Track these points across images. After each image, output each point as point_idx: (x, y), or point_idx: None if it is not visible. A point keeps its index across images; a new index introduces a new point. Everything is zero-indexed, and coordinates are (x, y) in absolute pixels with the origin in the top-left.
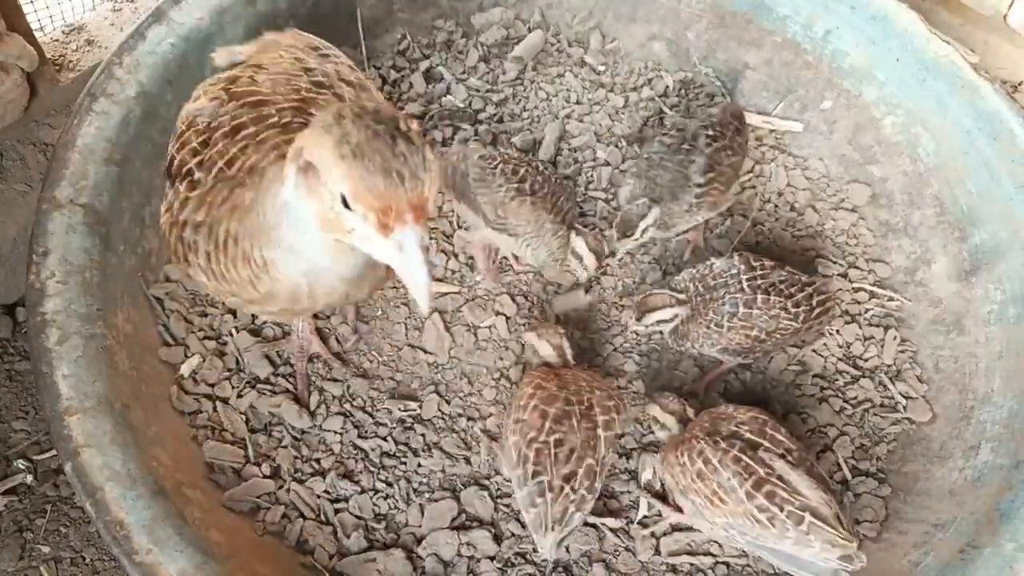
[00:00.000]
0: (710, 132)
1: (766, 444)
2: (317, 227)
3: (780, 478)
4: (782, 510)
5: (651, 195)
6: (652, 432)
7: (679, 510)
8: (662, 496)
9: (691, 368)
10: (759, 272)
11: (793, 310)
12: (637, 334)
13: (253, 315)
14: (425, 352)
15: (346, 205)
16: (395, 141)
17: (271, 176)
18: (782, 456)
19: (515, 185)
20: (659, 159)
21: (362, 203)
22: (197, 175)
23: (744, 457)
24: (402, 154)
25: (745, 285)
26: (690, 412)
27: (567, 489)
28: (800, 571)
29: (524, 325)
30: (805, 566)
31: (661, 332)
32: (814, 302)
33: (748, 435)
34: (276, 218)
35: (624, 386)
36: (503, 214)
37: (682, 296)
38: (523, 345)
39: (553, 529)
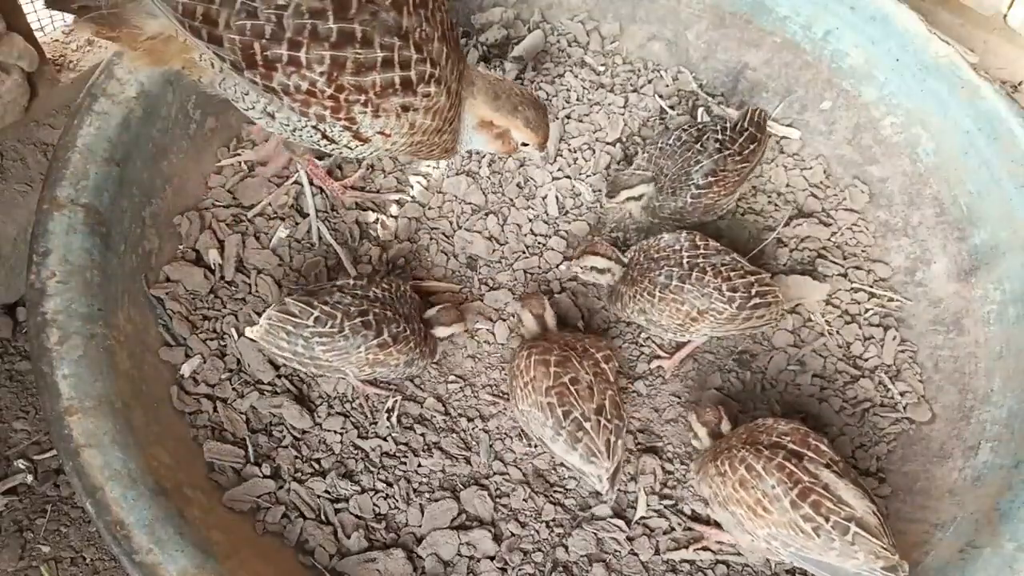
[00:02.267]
0: (719, 137)
1: (810, 454)
2: (492, 147)
3: (826, 487)
4: (828, 520)
5: (658, 178)
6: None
7: (717, 526)
8: (696, 518)
9: (734, 380)
10: (702, 251)
11: (728, 293)
12: (574, 277)
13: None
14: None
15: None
16: (541, 112)
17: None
18: (827, 466)
19: (374, 340)
20: (670, 151)
21: (534, 144)
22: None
23: (789, 465)
24: (545, 118)
25: (685, 260)
26: (725, 427)
27: (602, 420)
28: None
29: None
30: (845, 575)
31: (595, 284)
32: (753, 291)
33: (791, 445)
34: (467, 138)
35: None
36: (371, 370)
37: (624, 258)
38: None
39: (604, 457)
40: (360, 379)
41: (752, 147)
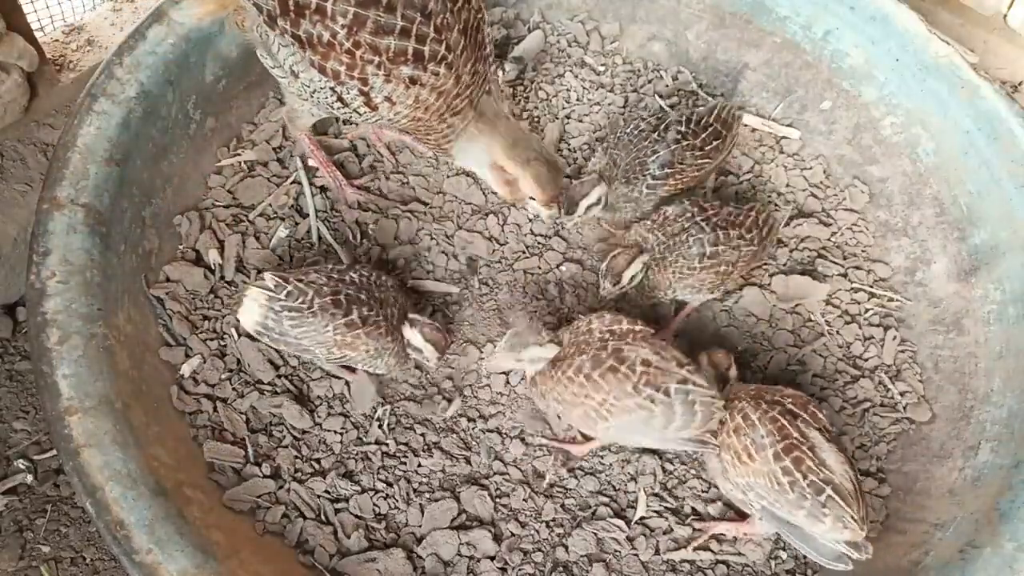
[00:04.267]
0: (681, 128)
1: (805, 416)
2: (500, 191)
3: (812, 448)
4: (805, 478)
5: (607, 173)
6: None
7: (742, 516)
8: (698, 516)
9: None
10: (711, 212)
11: (748, 236)
12: (612, 296)
13: None
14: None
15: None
16: (555, 172)
17: (475, 142)
18: (820, 431)
19: (342, 320)
20: (627, 140)
21: (540, 200)
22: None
23: (782, 420)
24: (558, 179)
25: (705, 226)
26: (732, 372)
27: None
28: (804, 548)
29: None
30: (811, 543)
31: (630, 290)
32: (760, 222)
33: (791, 406)
34: (469, 160)
35: None
36: (340, 353)
37: (644, 245)
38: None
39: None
40: (331, 363)
41: (715, 143)
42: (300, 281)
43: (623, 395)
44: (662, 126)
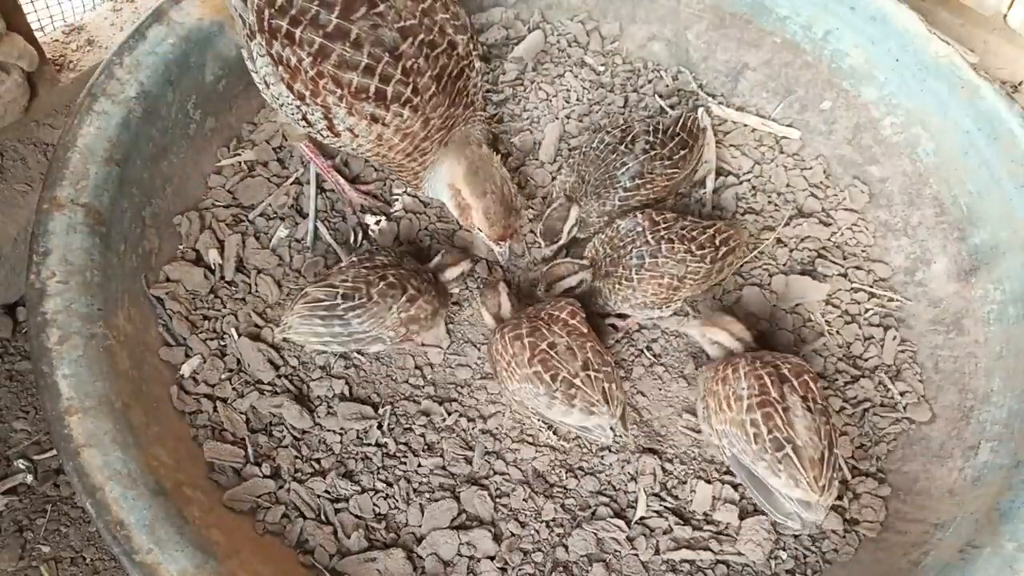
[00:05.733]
0: (650, 138)
1: (794, 383)
2: (454, 212)
3: (786, 410)
4: (769, 432)
5: (574, 192)
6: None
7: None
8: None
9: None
10: (662, 225)
11: (699, 252)
12: (552, 253)
13: (257, 318)
14: (425, 352)
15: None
16: (507, 211)
17: (440, 164)
18: (803, 399)
19: (402, 297)
20: (594, 155)
21: (486, 234)
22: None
23: (767, 379)
24: (507, 219)
25: (649, 238)
26: (749, 336)
27: (591, 373)
28: (765, 504)
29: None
30: (768, 498)
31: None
32: (718, 241)
33: (785, 371)
34: (435, 186)
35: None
36: (404, 329)
37: (584, 262)
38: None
39: (603, 403)
40: (397, 342)
41: (683, 153)
42: (346, 281)
43: (519, 364)
44: (628, 138)
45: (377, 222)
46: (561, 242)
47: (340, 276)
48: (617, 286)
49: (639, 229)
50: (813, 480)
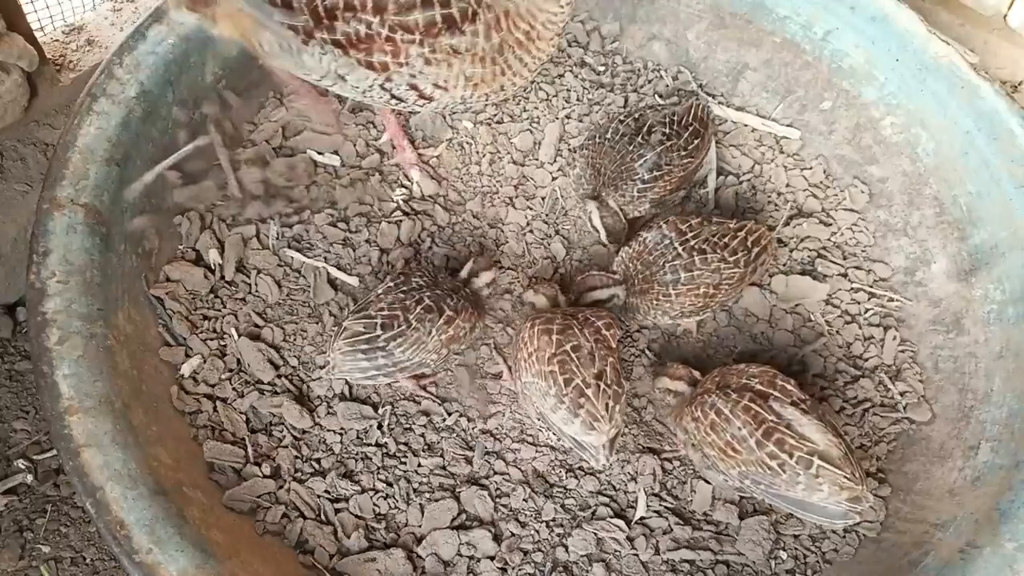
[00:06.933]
0: (665, 130)
1: (776, 394)
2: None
3: (789, 426)
4: (791, 456)
5: (592, 186)
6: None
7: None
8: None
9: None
10: (690, 234)
11: (732, 258)
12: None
13: (257, 318)
14: None
15: None
16: None
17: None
18: (793, 404)
19: (441, 320)
20: (609, 147)
21: None
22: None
23: (754, 406)
24: None
25: (680, 250)
26: (696, 374)
27: (602, 384)
28: (813, 517)
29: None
30: (818, 511)
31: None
32: (749, 243)
33: (758, 386)
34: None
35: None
36: (446, 350)
37: (617, 276)
38: (522, 305)
39: (604, 420)
40: (439, 366)
41: (696, 142)
42: (382, 310)
43: (539, 359)
44: (644, 128)
45: (417, 182)
46: (599, 238)
47: (377, 305)
48: (655, 302)
49: (667, 241)
50: (852, 475)
